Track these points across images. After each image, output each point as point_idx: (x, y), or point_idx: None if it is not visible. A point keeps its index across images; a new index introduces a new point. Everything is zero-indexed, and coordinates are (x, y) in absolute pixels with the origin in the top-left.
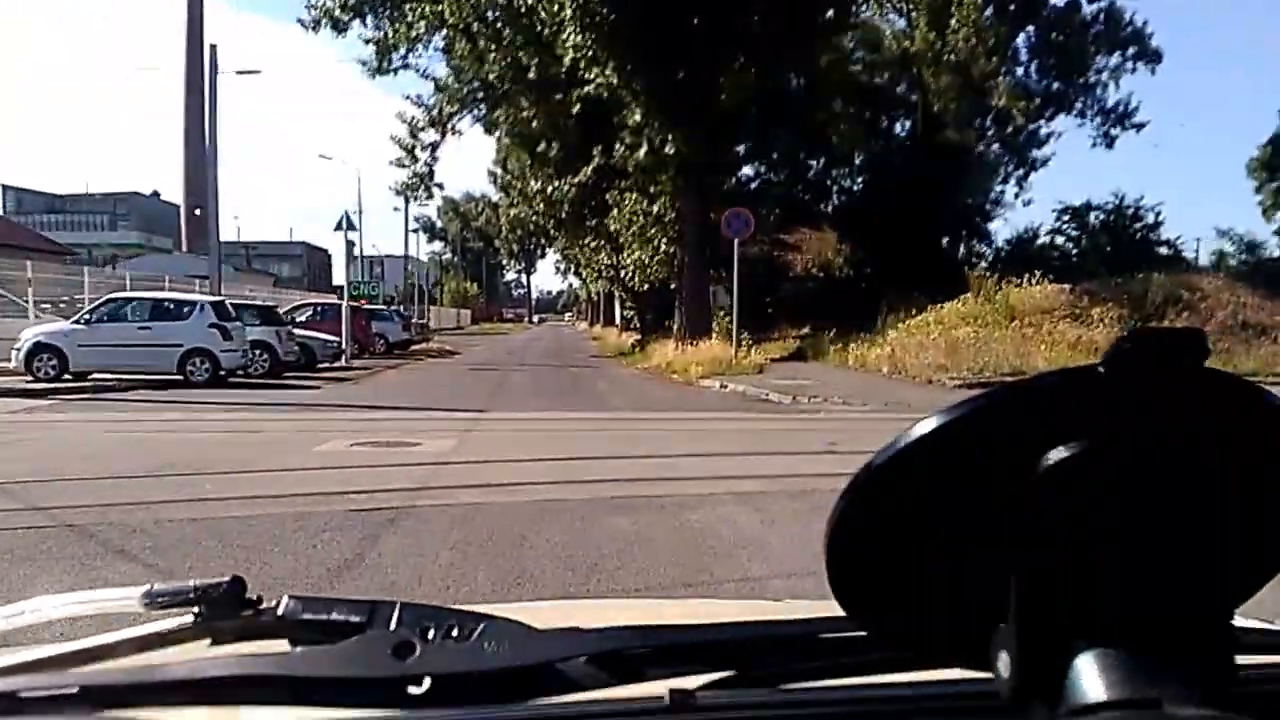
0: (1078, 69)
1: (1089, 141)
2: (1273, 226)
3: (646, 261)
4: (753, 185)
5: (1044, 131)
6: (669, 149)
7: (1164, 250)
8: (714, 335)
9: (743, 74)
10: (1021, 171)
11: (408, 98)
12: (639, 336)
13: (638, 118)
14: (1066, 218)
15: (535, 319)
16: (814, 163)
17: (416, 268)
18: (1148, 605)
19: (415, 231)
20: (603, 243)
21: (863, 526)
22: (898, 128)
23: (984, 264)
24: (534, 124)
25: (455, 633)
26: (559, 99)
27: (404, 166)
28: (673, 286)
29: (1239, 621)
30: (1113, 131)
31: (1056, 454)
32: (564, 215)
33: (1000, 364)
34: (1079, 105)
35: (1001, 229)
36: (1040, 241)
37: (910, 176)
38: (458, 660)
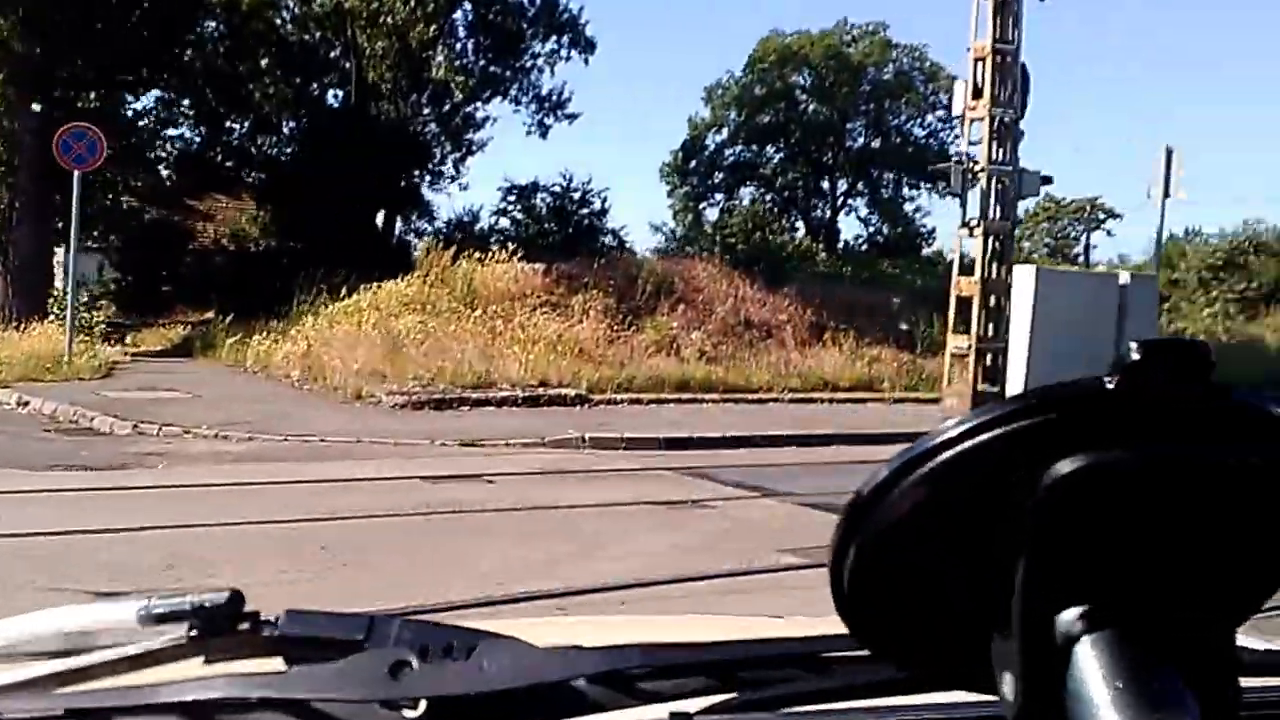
0: (513, 52)
1: (524, 129)
2: (682, 229)
3: None
4: (143, 127)
5: (480, 115)
6: None
7: (609, 240)
8: (54, 319)
9: None
10: (460, 153)
11: None
12: None
13: None
14: (513, 197)
15: None
16: (238, 125)
17: None
18: (1153, 625)
19: None
20: None
21: (866, 543)
22: (331, 96)
23: (422, 244)
24: None
25: (454, 651)
26: None
27: None
28: None
29: (1242, 641)
30: (547, 121)
31: (1061, 469)
32: None
33: (462, 369)
34: (514, 90)
35: (445, 208)
36: (482, 225)
37: (344, 148)
38: (455, 681)
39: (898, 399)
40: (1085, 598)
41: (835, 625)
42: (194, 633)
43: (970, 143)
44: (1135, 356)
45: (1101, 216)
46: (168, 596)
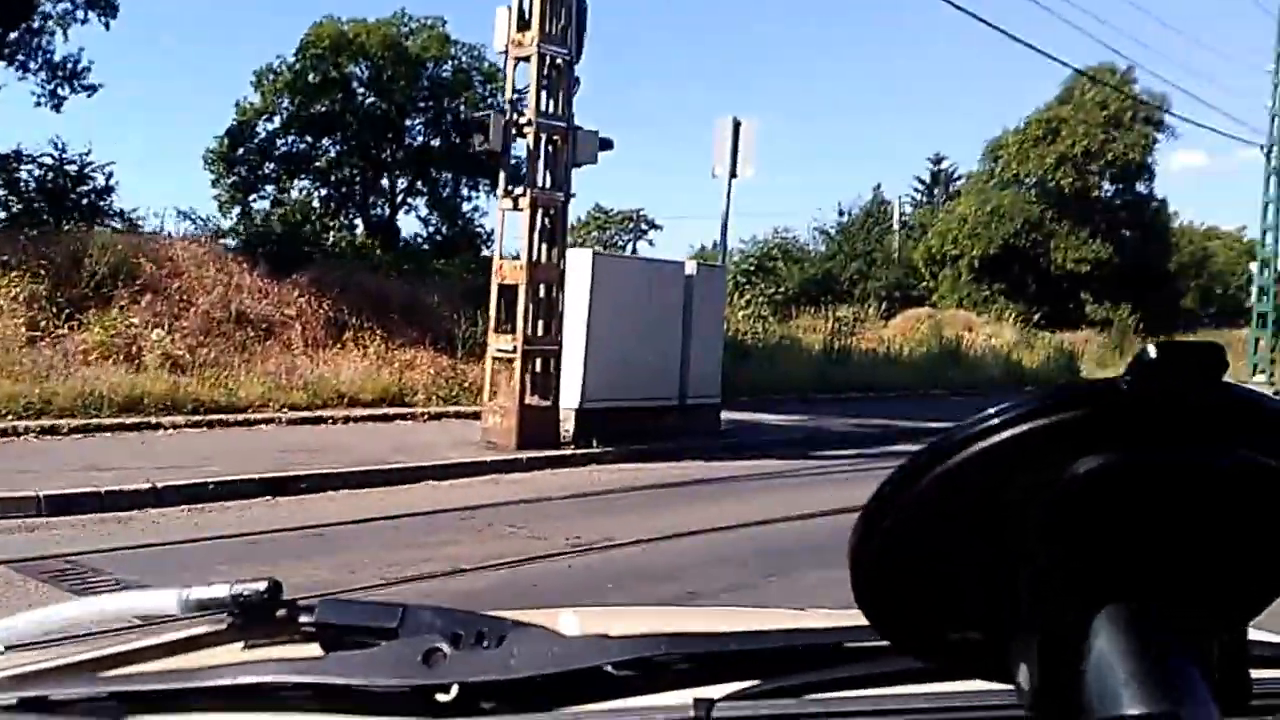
0: (22, 13)
1: (32, 99)
2: (230, 222)
3: None
4: None
5: None
6: None
7: (117, 224)
8: None
9: None
10: None
11: None
12: None
13: None
14: None
15: None
16: None
17: None
18: (1166, 618)
19: None
20: None
21: (887, 536)
22: None
23: None
24: None
25: (484, 639)
26: None
27: None
28: None
29: (1254, 635)
30: (61, 91)
31: (1078, 467)
32: None
33: None
34: (21, 56)
35: None
36: None
37: None
38: (485, 667)
39: (433, 414)
40: (1101, 591)
41: (856, 617)
42: (234, 620)
43: (516, 91)
44: (1151, 358)
45: (645, 227)
46: (208, 585)
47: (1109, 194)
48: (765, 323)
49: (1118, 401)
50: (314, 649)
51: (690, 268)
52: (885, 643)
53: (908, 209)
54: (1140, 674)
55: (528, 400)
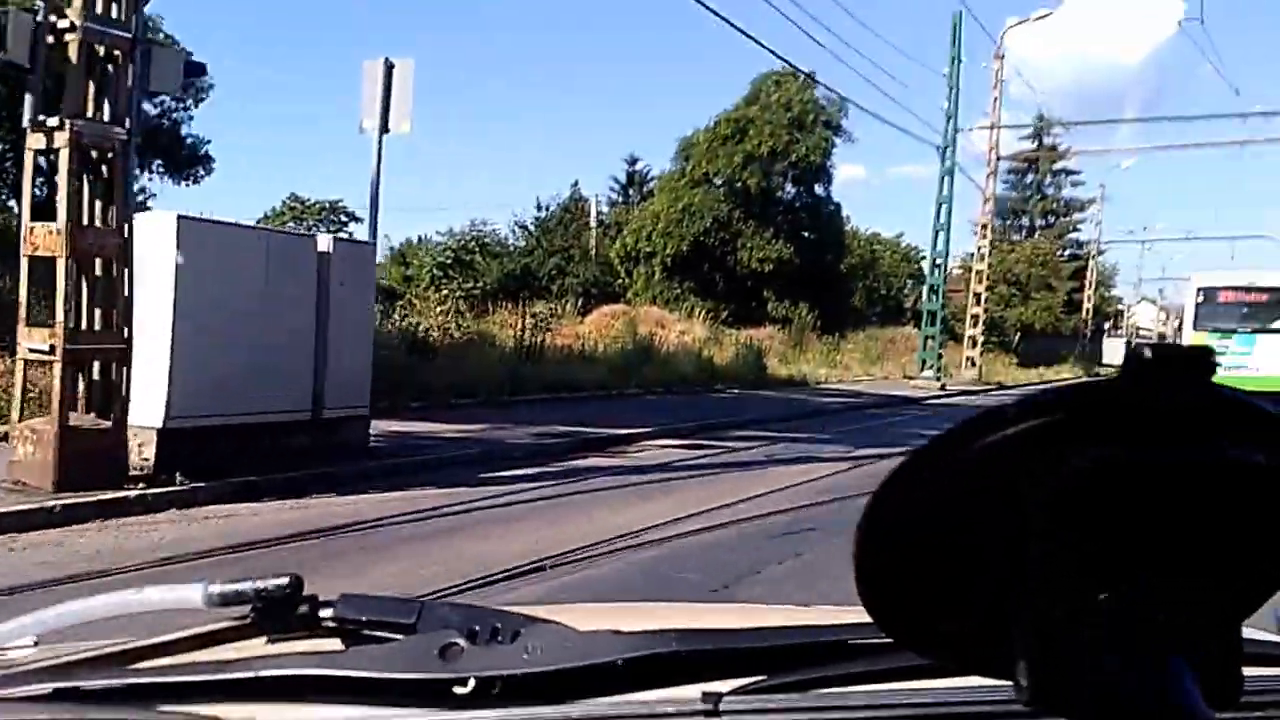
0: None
1: None
2: None
3: None
4: None
5: None
6: None
7: None
8: None
9: None
10: None
11: None
12: None
13: None
14: None
15: None
16: None
17: None
18: (1161, 617)
19: None
20: None
21: (889, 533)
22: None
23: None
24: None
25: (500, 634)
26: None
27: None
28: None
29: (1248, 633)
30: None
31: (1072, 466)
32: None
33: None
34: None
35: None
36: None
37: None
38: (501, 661)
39: None
40: (1096, 588)
41: (862, 614)
42: (257, 614)
43: None
44: (1145, 359)
45: (344, 219)
46: (231, 580)
47: (791, 195)
48: (461, 319)
49: (1110, 401)
50: (335, 643)
51: (325, 243)
52: (890, 639)
53: (605, 208)
54: (1132, 670)
55: (74, 420)
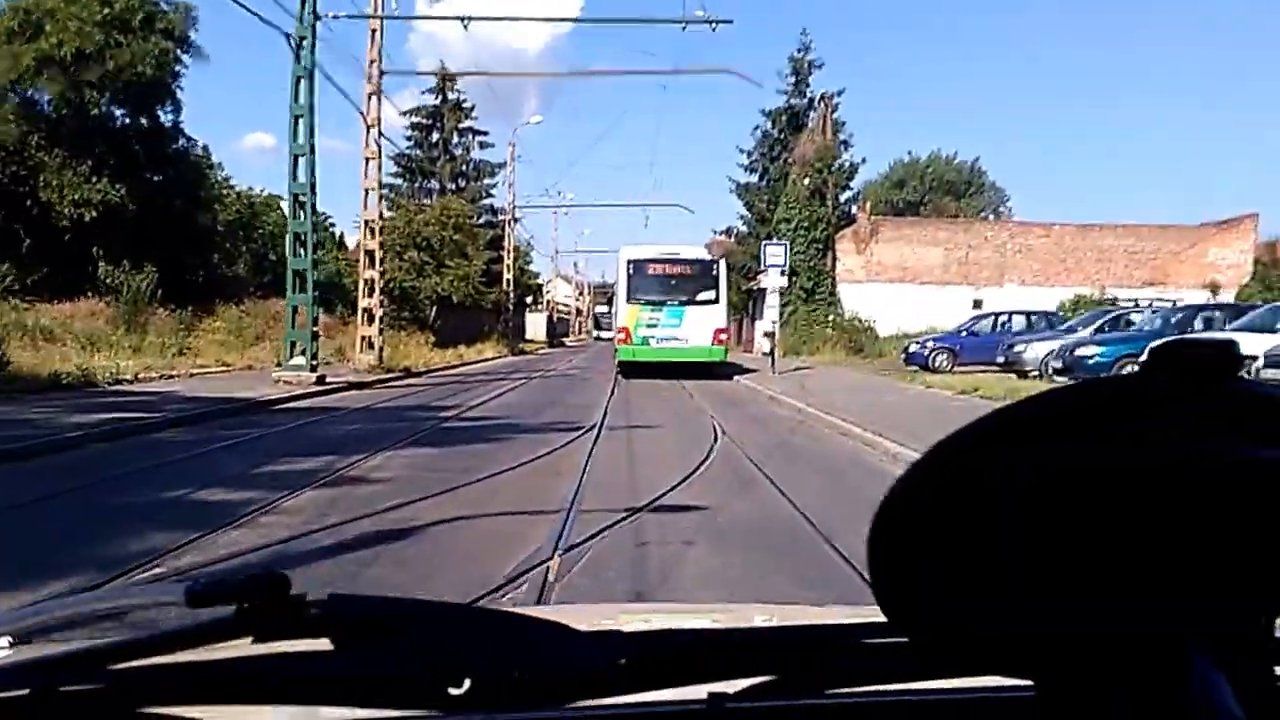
0: None
1: None
2: None
3: None
4: None
5: None
6: None
7: None
8: None
9: None
10: None
11: None
12: None
13: None
14: None
15: None
16: None
17: None
18: (1186, 616)
19: None
20: None
21: (905, 533)
22: None
23: None
24: None
25: (497, 635)
26: None
27: None
28: None
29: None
30: None
31: (1095, 464)
32: None
33: None
34: None
35: None
36: None
37: None
38: (498, 662)
39: None
40: (1115, 584)
41: (870, 614)
42: (242, 613)
43: None
44: (1167, 352)
45: None
46: (216, 577)
47: (119, 119)
48: None
49: (1131, 397)
50: (323, 643)
51: None
52: (899, 639)
53: None
54: (1156, 668)
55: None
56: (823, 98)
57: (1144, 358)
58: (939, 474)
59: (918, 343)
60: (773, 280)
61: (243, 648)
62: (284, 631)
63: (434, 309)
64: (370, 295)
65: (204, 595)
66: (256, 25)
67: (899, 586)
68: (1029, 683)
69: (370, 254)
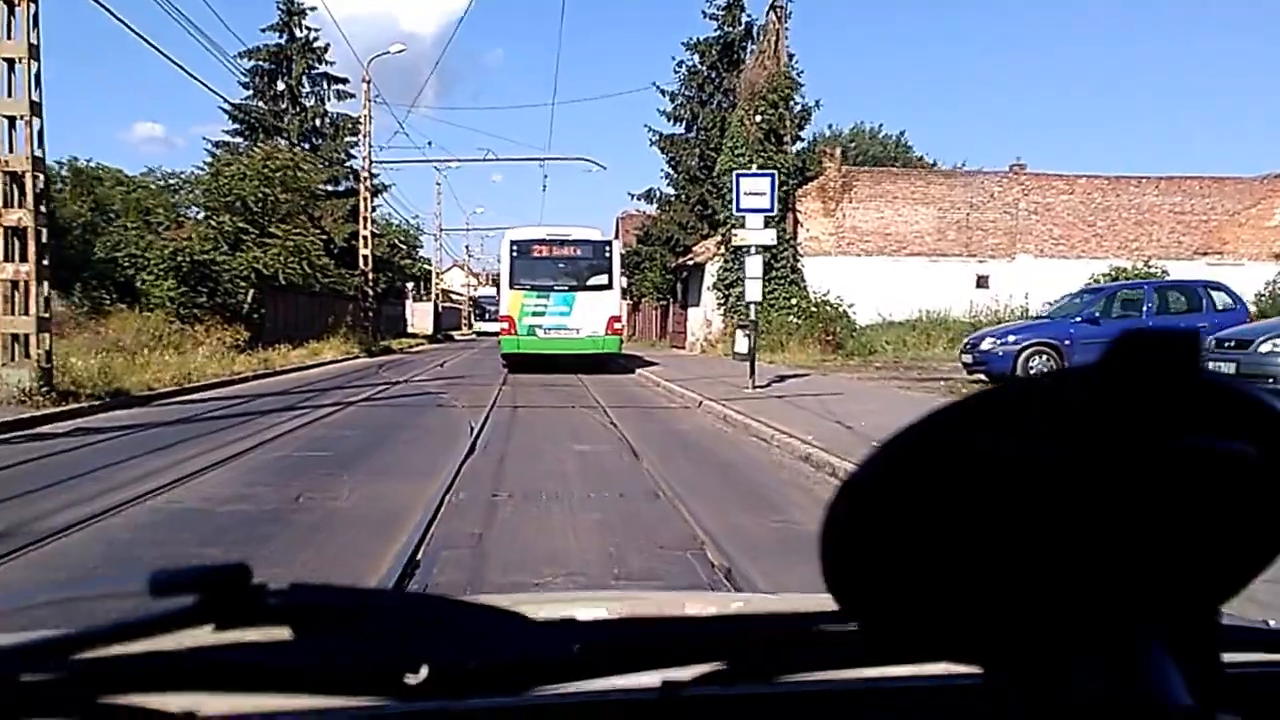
0: None
1: None
2: None
3: None
4: None
5: None
6: None
7: None
8: None
9: None
10: None
11: None
12: None
13: None
14: None
15: None
16: None
17: None
18: (1134, 602)
19: None
20: None
21: (857, 521)
22: None
23: None
24: None
25: (454, 623)
26: None
27: None
28: None
29: (1227, 620)
30: None
31: (1050, 454)
32: None
33: None
34: None
35: None
36: None
37: None
38: (455, 650)
39: None
40: (1071, 577)
41: (824, 601)
42: (203, 602)
43: None
44: (1128, 343)
45: None
46: (176, 567)
47: None
48: None
49: (1091, 388)
50: (284, 632)
51: None
52: (850, 626)
53: None
54: (1109, 657)
55: None
56: (773, 7)
57: (1109, 346)
58: (890, 464)
59: (994, 336)
60: (754, 234)
61: (202, 636)
62: (244, 620)
63: (249, 293)
64: (19, 259)
65: (166, 585)
66: None
67: (850, 575)
68: (979, 670)
69: (14, 178)
